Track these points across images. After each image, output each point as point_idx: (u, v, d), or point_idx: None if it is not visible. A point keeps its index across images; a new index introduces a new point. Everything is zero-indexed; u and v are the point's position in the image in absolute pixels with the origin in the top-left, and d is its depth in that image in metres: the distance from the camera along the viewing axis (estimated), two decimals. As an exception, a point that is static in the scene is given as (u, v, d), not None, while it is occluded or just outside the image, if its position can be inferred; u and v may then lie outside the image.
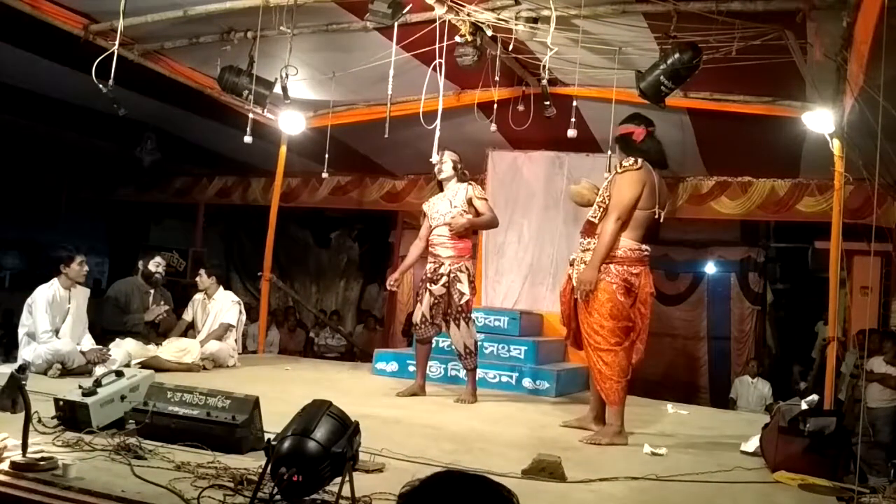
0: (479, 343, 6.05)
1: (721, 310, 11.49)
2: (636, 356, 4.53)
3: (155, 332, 6.84)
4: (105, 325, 6.70)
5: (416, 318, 5.85)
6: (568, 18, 5.27)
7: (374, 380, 6.82)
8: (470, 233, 5.90)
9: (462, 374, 6.01)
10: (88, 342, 5.87)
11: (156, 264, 7.00)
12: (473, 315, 5.82)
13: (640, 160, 4.46)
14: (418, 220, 11.04)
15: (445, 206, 5.80)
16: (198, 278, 7.12)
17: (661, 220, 4.62)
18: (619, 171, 4.50)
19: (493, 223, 5.96)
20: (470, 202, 5.75)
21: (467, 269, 5.72)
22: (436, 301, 5.72)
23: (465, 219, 5.70)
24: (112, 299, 6.91)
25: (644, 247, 4.51)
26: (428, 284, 5.78)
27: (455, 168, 5.82)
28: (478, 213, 5.77)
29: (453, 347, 5.79)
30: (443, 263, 5.73)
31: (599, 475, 3.54)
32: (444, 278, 5.69)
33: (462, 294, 5.63)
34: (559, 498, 3.22)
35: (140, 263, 7.06)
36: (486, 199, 5.87)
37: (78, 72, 6.28)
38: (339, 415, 2.83)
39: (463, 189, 5.79)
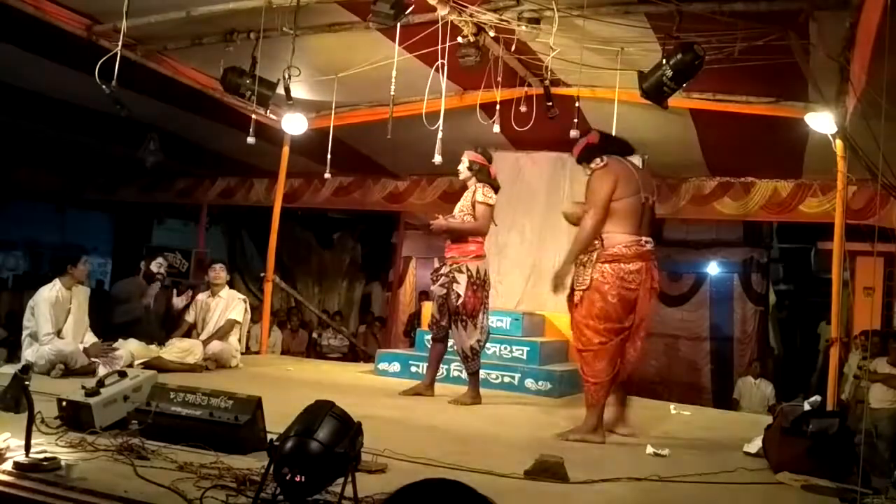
0: (481, 344, 6.03)
1: (723, 311, 11.48)
2: (634, 353, 4.52)
3: (165, 332, 6.89)
4: (112, 320, 6.77)
5: (429, 317, 5.86)
6: (570, 19, 5.27)
7: (376, 380, 6.82)
8: (465, 235, 5.70)
9: (464, 375, 6.00)
10: (91, 341, 5.89)
11: (158, 265, 7.05)
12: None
13: (604, 158, 4.56)
14: (420, 220, 11.09)
15: (458, 207, 5.80)
16: (221, 272, 7.12)
17: (652, 206, 4.63)
18: (587, 174, 4.61)
19: (475, 231, 5.68)
20: (474, 205, 5.69)
21: (467, 269, 5.60)
22: (440, 302, 5.72)
23: (444, 221, 5.69)
24: (114, 298, 6.98)
25: (643, 239, 4.47)
26: (432, 284, 5.83)
27: (471, 168, 5.73)
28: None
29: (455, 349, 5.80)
30: (445, 264, 5.73)
31: (602, 476, 3.53)
32: (444, 278, 5.67)
33: (458, 295, 5.56)
34: (562, 499, 3.22)
35: (142, 264, 7.11)
36: (486, 204, 5.65)
37: (81, 73, 6.29)
38: (342, 415, 2.83)
39: (473, 191, 5.74)
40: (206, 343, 6.60)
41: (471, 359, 5.65)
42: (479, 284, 5.65)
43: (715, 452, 4.49)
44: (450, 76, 5.91)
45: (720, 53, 5.05)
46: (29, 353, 5.58)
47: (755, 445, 4.32)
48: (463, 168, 5.77)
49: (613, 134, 4.85)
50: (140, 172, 10.42)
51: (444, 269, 5.70)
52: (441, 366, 6.57)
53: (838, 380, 6.55)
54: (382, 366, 7.12)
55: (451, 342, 5.83)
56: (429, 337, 5.97)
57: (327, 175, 7.47)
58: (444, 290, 5.65)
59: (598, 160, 4.56)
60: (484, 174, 5.76)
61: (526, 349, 6.82)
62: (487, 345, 6.70)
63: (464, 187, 5.93)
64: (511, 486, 3.27)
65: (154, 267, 7.02)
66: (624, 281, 4.40)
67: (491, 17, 5.32)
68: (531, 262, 8.37)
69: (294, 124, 7.77)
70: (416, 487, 1.34)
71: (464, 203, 5.76)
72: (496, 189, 5.80)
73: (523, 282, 8.32)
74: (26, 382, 3.07)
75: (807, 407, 4.10)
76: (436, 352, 5.90)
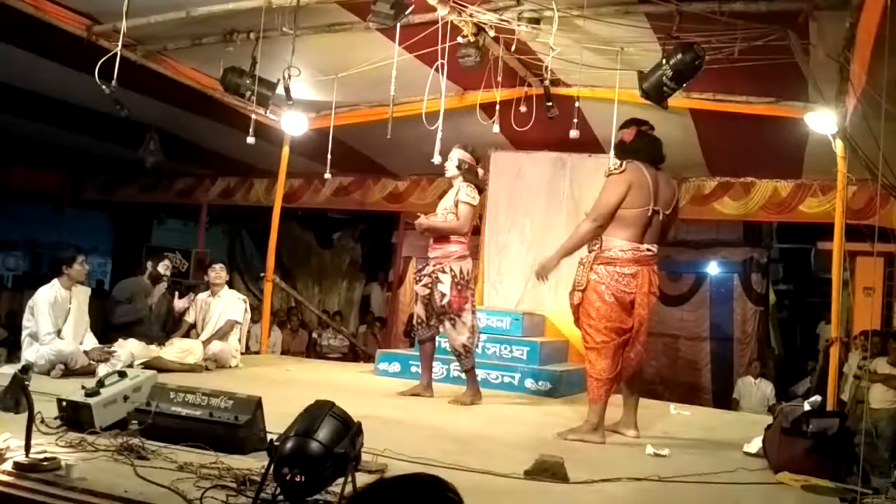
0: (482, 343, 6.02)
1: (723, 310, 11.48)
2: (636, 357, 4.53)
3: (165, 333, 6.90)
4: (114, 320, 6.77)
5: (414, 318, 5.86)
6: (570, 19, 5.27)
7: (376, 380, 6.82)
8: (447, 234, 5.65)
9: (464, 374, 5.99)
10: (91, 342, 5.90)
11: (164, 266, 7.12)
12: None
13: (624, 163, 4.51)
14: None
15: (442, 205, 5.77)
16: (221, 272, 7.12)
17: (667, 219, 4.59)
18: (605, 174, 4.59)
19: (455, 230, 5.62)
20: (457, 204, 5.63)
21: (451, 269, 5.55)
22: (425, 302, 5.70)
23: (425, 220, 5.67)
24: (116, 298, 6.99)
25: (643, 246, 4.47)
26: (414, 285, 5.82)
27: (460, 166, 5.68)
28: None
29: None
30: (428, 264, 5.72)
31: (602, 476, 3.54)
32: (427, 279, 5.65)
33: (443, 295, 5.54)
34: (562, 499, 3.22)
35: (149, 265, 7.13)
36: (468, 204, 5.58)
37: (81, 73, 6.29)
38: (342, 415, 2.83)
39: (457, 190, 5.68)
40: (206, 343, 6.60)
41: (464, 356, 5.63)
42: (464, 284, 5.62)
43: (715, 452, 4.49)
44: (450, 76, 5.91)
45: (720, 53, 5.04)
46: (29, 353, 5.58)
47: (755, 445, 4.32)
48: (451, 165, 5.72)
49: (653, 136, 4.69)
50: (140, 172, 10.42)
51: (427, 270, 5.68)
52: (441, 365, 6.59)
53: (838, 380, 6.55)
54: (382, 366, 7.12)
55: (445, 343, 5.83)
56: (416, 338, 5.96)
57: (327, 175, 7.47)
58: (428, 291, 5.64)
59: (617, 163, 4.53)
60: (471, 174, 5.72)
61: (526, 349, 6.82)
62: (488, 344, 6.72)
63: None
64: (511, 486, 3.27)
65: (161, 268, 7.06)
66: (619, 283, 4.42)
67: (491, 17, 5.32)
68: (531, 262, 8.31)
69: (294, 124, 7.77)
70: (390, 483, 1.32)
71: (447, 202, 5.72)
72: (481, 189, 5.77)
73: (523, 282, 8.31)
74: (26, 382, 3.06)
75: (807, 407, 4.10)
76: (426, 352, 5.88)
